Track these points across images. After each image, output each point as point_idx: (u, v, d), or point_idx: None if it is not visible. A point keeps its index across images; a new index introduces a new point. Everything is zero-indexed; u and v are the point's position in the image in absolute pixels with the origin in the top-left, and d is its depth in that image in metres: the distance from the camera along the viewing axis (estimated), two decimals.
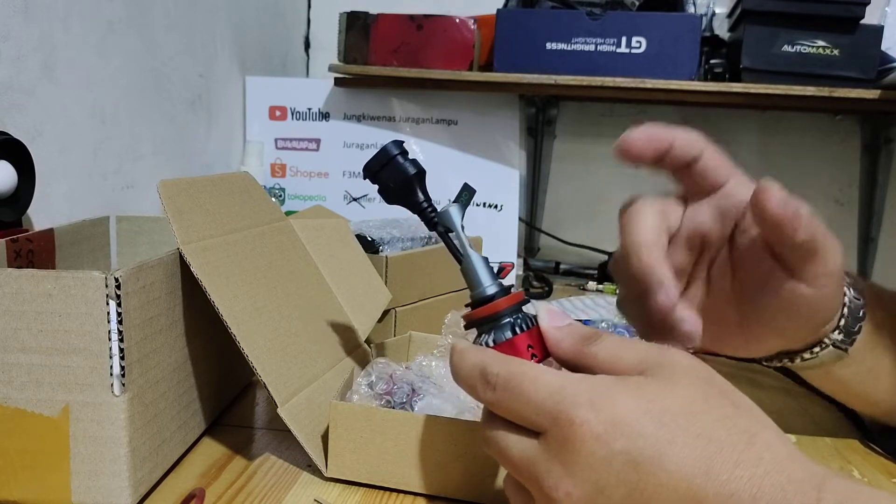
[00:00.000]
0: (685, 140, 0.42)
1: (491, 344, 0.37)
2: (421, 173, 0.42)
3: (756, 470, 0.30)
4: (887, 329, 0.49)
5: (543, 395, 0.33)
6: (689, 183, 0.43)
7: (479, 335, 0.38)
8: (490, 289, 0.38)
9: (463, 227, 0.40)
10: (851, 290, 0.46)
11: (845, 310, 0.46)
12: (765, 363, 0.50)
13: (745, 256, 0.43)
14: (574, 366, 0.36)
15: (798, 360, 0.48)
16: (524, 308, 0.38)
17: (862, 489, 0.31)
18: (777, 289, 0.41)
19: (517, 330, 0.37)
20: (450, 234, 0.40)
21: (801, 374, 0.51)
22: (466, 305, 0.39)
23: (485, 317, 0.38)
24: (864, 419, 0.62)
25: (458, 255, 0.40)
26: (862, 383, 0.50)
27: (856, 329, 0.46)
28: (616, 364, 0.34)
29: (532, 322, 0.37)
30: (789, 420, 0.64)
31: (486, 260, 0.39)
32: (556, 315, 0.37)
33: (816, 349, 0.47)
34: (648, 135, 0.41)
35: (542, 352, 0.37)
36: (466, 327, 0.39)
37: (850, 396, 0.54)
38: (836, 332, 0.46)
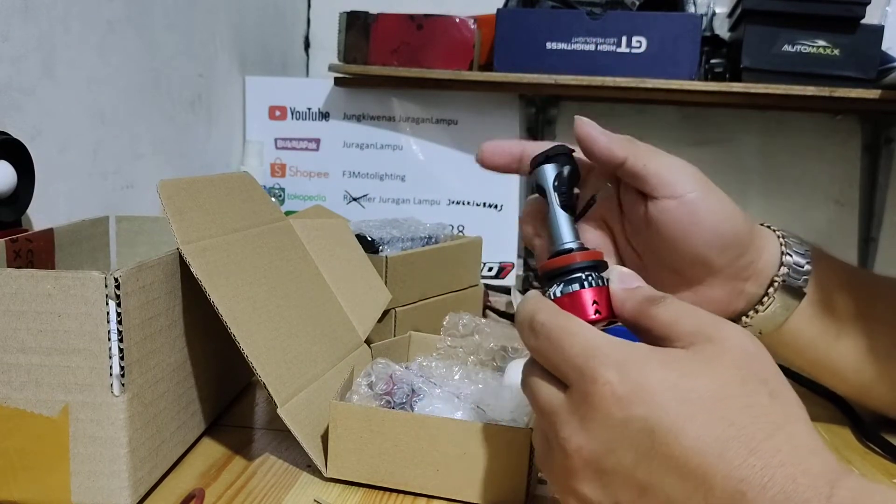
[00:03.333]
0: (535, 146, 0.47)
1: (558, 294, 0.38)
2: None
3: (771, 460, 0.30)
4: (844, 297, 0.54)
5: (578, 349, 0.34)
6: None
7: (549, 286, 0.39)
8: (568, 245, 0.40)
9: (556, 186, 0.42)
10: (790, 242, 0.52)
11: (784, 258, 0.51)
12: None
13: (625, 205, 0.48)
14: (635, 326, 0.37)
15: (754, 315, 0.52)
16: (600, 271, 0.39)
17: (877, 488, 0.30)
18: (650, 218, 0.46)
19: (584, 285, 0.38)
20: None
21: (773, 350, 0.54)
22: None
23: (557, 268, 0.39)
24: (863, 416, 0.62)
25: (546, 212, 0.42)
26: (827, 355, 0.55)
27: (800, 279, 0.51)
28: (673, 327, 0.35)
29: (603, 282, 0.38)
30: None
31: (571, 219, 0.41)
32: (627, 277, 0.38)
33: (766, 298, 0.51)
34: (497, 146, 0.48)
35: (608, 310, 0.37)
36: (540, 281, 0.41)
37: (818, 369, 0.58)
38: (784, 268, 0.51)
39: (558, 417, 0.34)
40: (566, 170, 0.42)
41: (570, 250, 0.40)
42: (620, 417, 0.32)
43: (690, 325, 0.34)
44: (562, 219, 0.41)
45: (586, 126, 0.44)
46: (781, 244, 0.52)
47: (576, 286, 0.38)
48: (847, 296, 0.54)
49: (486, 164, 0.48)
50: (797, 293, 0.51)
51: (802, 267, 0.51)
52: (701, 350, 0.33)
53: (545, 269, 0.40)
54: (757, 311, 0.52)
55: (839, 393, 0.62)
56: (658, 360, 0.33)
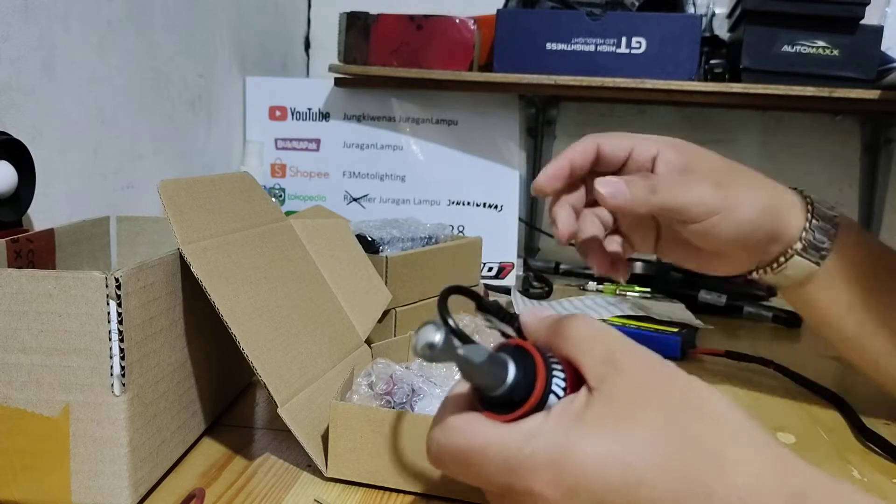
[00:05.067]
0: (581, 153, 0.55)
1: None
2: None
3: (730, 499, 0.29)
4: (865, 270, 0.57)
5: (495, 467, 0.31)
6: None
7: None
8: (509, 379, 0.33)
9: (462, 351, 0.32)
10: (816, 212, 0.56)
11: (808, 224, 0.56)
12: (748, 277, 0.60)
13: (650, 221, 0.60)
14: (551, 352, 0.34)
15: (770, 273, 0.58)
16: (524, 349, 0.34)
17: (843, 489, 0.30)
18: (682, 230, 0.55)
19: (557, 392, 0.33)
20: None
21: (786, 298, 0.62)
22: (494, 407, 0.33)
23: (537, 404, 0.33)
24: (862, 416, 0.62)
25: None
26: (841, 323, 0.58)
27: (824, 245, 0.56)
28: (582, 354, 0.32)
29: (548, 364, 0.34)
30: (788, 419, 0.64)
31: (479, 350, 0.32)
32: (537, 309, 0.37)
33: (783, 259, 0.57)
34: (549, 174, 0.54)
35: (572, 383, 0.33)
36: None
37: (833, 334, 0.61)
38: (800, 243, 0.56)
39: None
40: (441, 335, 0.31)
41: (517, 386, 0.32)
42: None
43: (600, 353, 0.32)
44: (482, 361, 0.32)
45: (612, 200, 0.51)
46: (807, 220, 0.56)
47: (552, 398, 0.33)
48: (868, 269, 0.57)
49: (545, 194, 0.54)
50: (810, 265, 0.56)
51: (822, 244, 0.56)
52: (612, 392, 0.31)
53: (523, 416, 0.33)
54: (767, 272, 0.58)
55: (855, 364, 0.63)
56: (582, 434, 0.30)
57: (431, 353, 0.30)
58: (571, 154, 0.55)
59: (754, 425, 0.31)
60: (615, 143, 0.55)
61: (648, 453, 0.29)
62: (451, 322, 0.34)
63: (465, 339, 0.34)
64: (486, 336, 0.60)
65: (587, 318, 0.34)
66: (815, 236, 0.56)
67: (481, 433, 0.32)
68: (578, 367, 0.33)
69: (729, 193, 0.53)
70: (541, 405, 0.32)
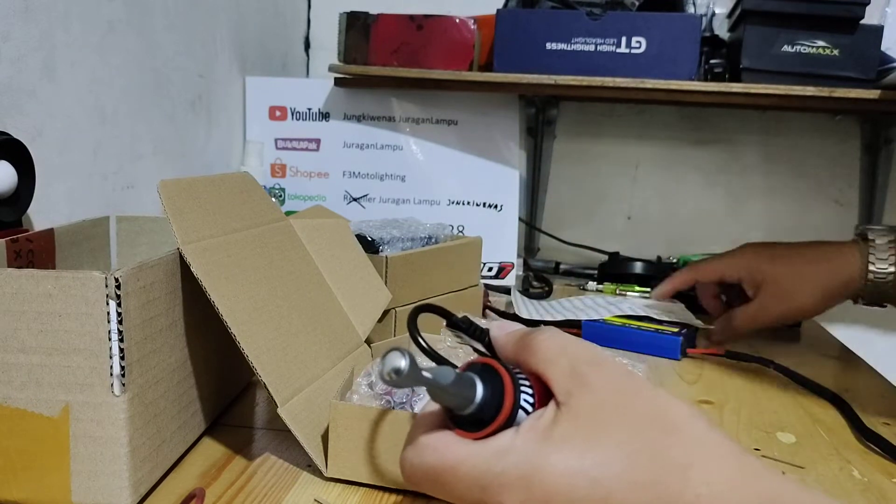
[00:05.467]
0: (681, 282, 0.88)
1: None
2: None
3: None
4: None
5: (466, 484, 0.32)
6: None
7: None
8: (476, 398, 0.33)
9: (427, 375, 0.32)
10: (872, 248, 0.73)
11: (866, 269, 0.73)
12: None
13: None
14: (519, 366, 0.35)
15: (860, 302, 0.77)
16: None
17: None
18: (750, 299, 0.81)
19: (526, 408, 0.33)
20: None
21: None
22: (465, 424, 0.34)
23: (506, 421, 0.33)
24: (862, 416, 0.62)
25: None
26: None
27: (885, 270, 0.72)
28: (549, 368, 0.33)
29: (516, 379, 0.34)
30: (788, 419, 0.64)
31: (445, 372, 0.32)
32: (506, 324, 0.37)
33: (860, 299, 0.76)
34: (659, 293, 0.90)
35: (540, 398, 0.34)
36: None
37: None
38: (865, 284, 0.74)
39: None
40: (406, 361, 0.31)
41: (486, 405, 0.33)
42: None
43: (566, 366, 0.33)
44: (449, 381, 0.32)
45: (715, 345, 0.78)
46: (864, 266, 0.72)
47: (522, 414, 0.33)
48: None
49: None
50: (885, 283, 0.71)
51: (883, 270, 0.71)
52: (579, 407, 0.31)
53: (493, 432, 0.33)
54: (858, 301, 0.76)
55: None
56: (549, 451, 0.30)
57: (398, 379, 0.30)
58: (673, 283, 0.87)
59: (719, 434, 0.31)
60: (707, 275, 0.85)
61: (616, 468, 0.30)
62: (421, 341, 0.35)
63: (437, 358, 0.34)
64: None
65: (554, 332, 0.35)
66: (875, 275, 0.72)
67: (452, 452, 0.33)
68: (546, 381, 0.33)
69: (792, 306, 0.77)
70: (510, 421, 0.33)
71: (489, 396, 0.33)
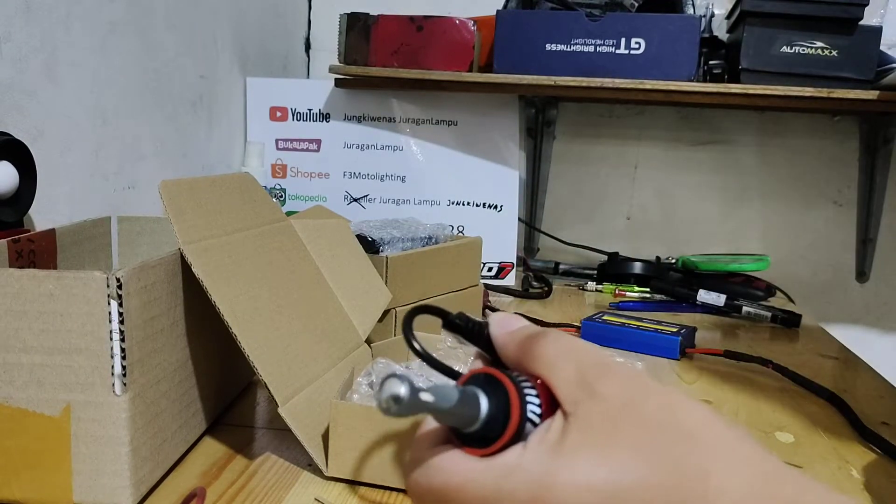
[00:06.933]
0: None
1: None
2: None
3: None
4: None
5: None
6: None
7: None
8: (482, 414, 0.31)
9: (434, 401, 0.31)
10: None
11: None
12: None
13: None
14: (522, 370, 0.34)
15: None
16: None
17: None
18: None
19: (533, 419, 0.32)
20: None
21: None
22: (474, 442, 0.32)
23: (513, 436, 0.32)
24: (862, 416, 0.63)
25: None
26: None
27: None
28: (555, 374, 0.32)
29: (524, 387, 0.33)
30: (787, 419, 0.64)
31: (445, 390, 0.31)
32: (506, 321, 0.36)
33: None
34: None
35: (547, 405, 0.32)
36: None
37: None
38: None
39: None
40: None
41: (494, 419, 0.32)
42: None
43: (572, 373, 0.32)
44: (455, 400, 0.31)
45: None
46: None
47: (528, 426, 0.32)
48: None
49: None
50: None
51: None
52: (588, 417, 0.30)
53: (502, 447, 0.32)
54: None
55: None
56: (561, 467, 0.29)
57: (398, 407, 0.29)
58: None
59: (738, 435, 0.30)
60: None
61: (629, 481, 0.29)
62: (417, 346, 0.34)
63: (434, 364, 0.34)
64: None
65: (558, 335, 0.34)
66: None
67: (459, 472, 0.32)
68: (551, 388, 0.32)
69: None
70: (518, 436, 0.32)
71: (494, 411, 0.32)
